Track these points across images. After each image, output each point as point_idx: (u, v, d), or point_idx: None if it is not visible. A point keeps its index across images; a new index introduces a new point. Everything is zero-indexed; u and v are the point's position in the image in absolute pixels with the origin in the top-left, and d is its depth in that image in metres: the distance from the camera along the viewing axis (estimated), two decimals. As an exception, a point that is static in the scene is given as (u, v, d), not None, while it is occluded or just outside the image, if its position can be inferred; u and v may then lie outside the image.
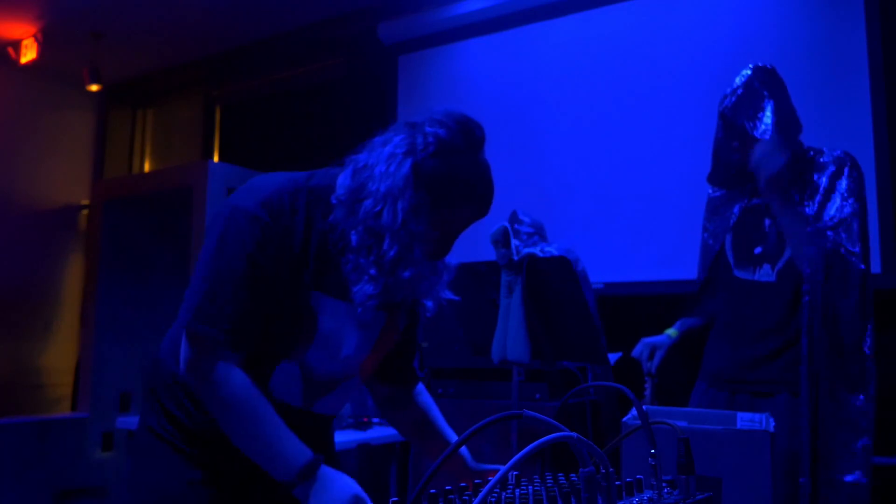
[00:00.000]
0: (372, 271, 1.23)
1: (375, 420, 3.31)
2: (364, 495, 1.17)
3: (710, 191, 2.32)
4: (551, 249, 3.25)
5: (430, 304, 1.37)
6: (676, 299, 2.67)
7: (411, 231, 1.22)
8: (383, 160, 1.24)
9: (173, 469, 1.31)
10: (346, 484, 1.18)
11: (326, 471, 1.18)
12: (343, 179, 1.28)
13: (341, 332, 1.30)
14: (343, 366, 1.34)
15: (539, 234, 3.21)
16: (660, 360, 2.26)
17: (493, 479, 0.66)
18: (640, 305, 3.48)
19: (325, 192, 1.29)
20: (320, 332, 1.28)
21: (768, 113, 2.07)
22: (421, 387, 1.56)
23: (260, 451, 1.20)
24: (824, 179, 2.03)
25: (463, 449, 1.45)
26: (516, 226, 3.19)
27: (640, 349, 2.32)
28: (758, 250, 2.12)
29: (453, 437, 1.49)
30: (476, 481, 0.98)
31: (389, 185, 1.22)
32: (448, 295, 1.40)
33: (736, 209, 2.19)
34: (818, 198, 2.03)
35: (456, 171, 1.24)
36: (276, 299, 1.23)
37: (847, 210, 1.99)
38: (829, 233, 1.99)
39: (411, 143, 1.25)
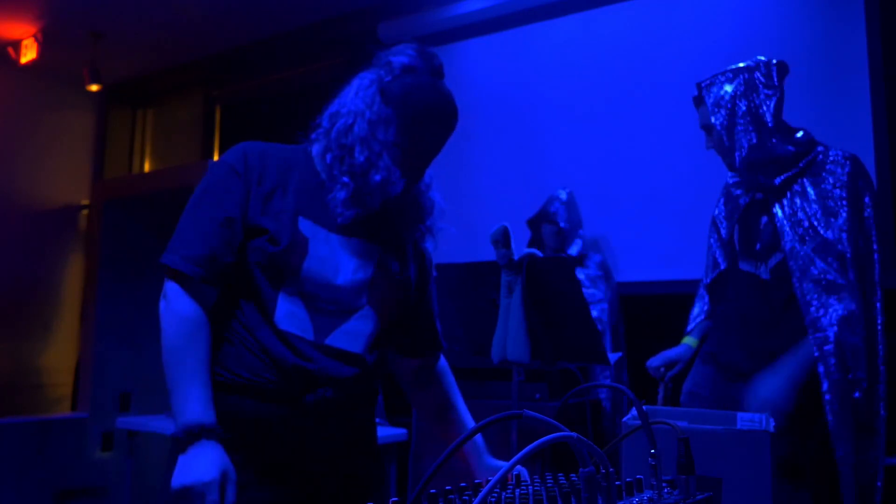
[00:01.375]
0: (344, 179, 1.33)
1: (376, 420, 3.31)
2: (230, 475, 1.21)
3: (728, 178, 2.31)
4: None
5: (429, 244, 1.46)
6: (677, 299, 2.68)
7: (379, 139, 1.32)
8: (353, 91, 1.37)
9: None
10: (213, 463, 1.20)
11: (206, 444, 1.22)
12: (319, 121, 1.40)
13: (334, 259, 1.34)
14: (344, 294, 1.34)
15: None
16: (677, 371, 2.27)
17: (493, 479, 0.66)
18: (640, 305, 3.48)
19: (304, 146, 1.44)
20: (311, 255, 1.32)
21: (778, 105, 2.08)
22: (445, 366, 1.60)
23: (170, 388, 1.27)
24: (829, 183, 2.02)
25: (480, 441, 1.51)
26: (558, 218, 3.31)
27: (658, 362, 2.31)
28: (758, 246, 2.12)
29: (471, 423, 1.55)
30: (476, 481, 0.98)
31: (358, 103, 1.35)
32: (430, 247, 1.49)
33: (742, 201, 2.19)
34: (821, 200, 2.01)
35: (418, 89, 1.35)
36: (254, 229, 1.32)
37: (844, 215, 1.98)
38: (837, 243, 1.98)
39: (377, 72, 1.38)
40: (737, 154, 2.08)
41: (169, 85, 5.78)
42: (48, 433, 4.70)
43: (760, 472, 1.11)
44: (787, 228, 2.02)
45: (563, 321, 2.20)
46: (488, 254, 2.20)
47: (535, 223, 3.55)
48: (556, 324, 2.19)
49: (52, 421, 4.79)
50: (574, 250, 3.39)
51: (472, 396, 2.94)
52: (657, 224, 3.56)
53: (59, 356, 5.49)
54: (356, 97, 1.36)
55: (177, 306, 1.32)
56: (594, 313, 3.17)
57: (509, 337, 2.15)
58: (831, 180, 2.01)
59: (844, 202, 1.98)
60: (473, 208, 4.17)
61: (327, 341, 1.33)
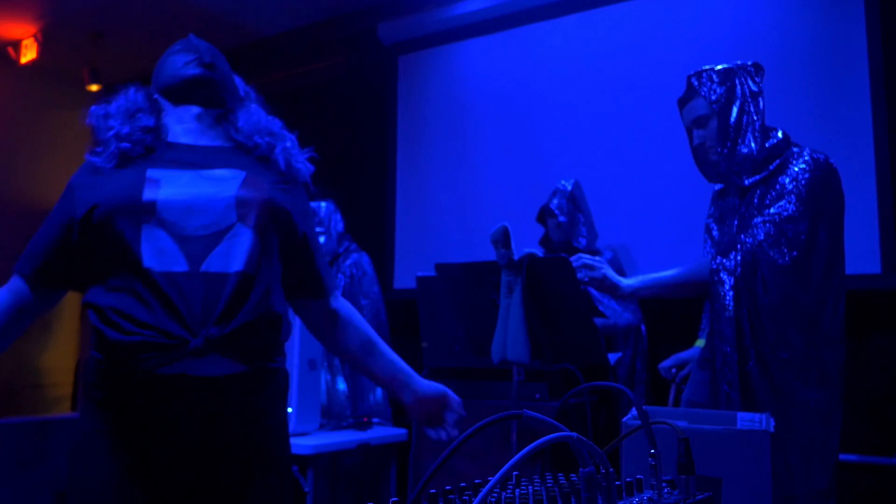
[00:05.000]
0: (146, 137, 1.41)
1: (375, 420, 3.31)
2: None
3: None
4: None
5: (280, 162, 1.44)
6: (677, 299, 2.67)
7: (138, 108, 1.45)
8: None
9: (86, 419, 1.33)
10: None
11: None
12: None
13: (187, 185, 1.33)
14: (210, 215, 1.31)
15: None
16: (688, 372, 2.26)
17: (492, 479, 0.66)
18: (640, 305, 3.48)
19: None
20: (164, 184, 1.32)
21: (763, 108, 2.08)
22: (352, 309, 1.57)
23: None
24: (788, 182, 2.01)
25: (408, 370, 1.55)
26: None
27: (670, 364, 2.31)
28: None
29: (395, 357, 1.56)
30: (476, 481, 0.98)
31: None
32: (300, 157, 1.49)
33: (723, 204, 2.19)
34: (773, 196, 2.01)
35: (160, 63, 1.53)
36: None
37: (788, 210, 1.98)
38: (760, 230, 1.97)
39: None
40: (722, 165, 2.09)
41: (169, 85, 5.77)
42: (48, 433, 4.69)
43: (760, 472, 1.11)
44: (742, 231, 2.02)
45: (563, 321, 2.20)
46: (488, 254, 2.19)
47: (540, 217, 3.53)
48: (556, 324, 2.19)
49: (52, 421, 4.79)
50: (581, 243, 3.34)
51: (472, 396, 2.94)
52: (658, 224, 3.56)
53: (59, 356, 5.49)
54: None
55: None
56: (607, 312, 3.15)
57: (509, 337, 2.15)
58: (789, 179, 2.00)
59: (793, 196, 1.97)
60: (473, 208, 4.17)
61: (207, 267, 1.29)
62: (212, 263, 1.29)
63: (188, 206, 1.31)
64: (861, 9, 3.17)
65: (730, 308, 1.95)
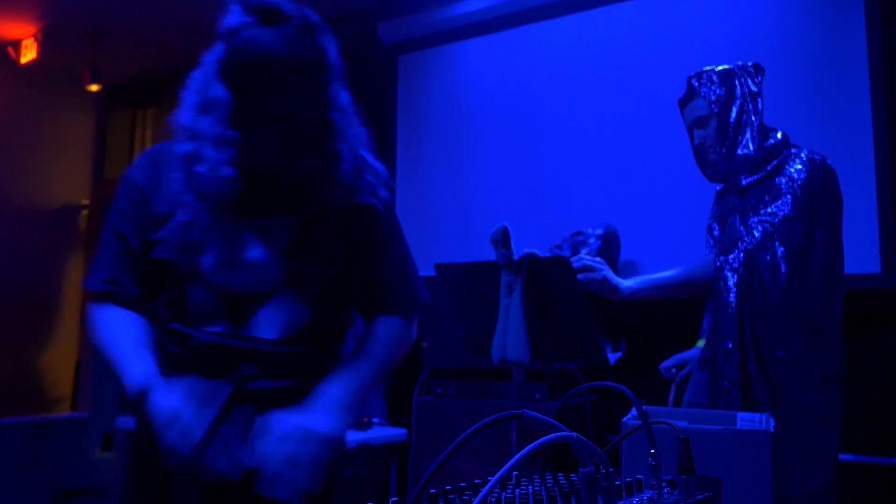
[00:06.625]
0: (179, 174, 1.28)
1: (375, 420, 3.31)
2: (184, 416, 1.16)
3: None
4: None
5: (369, 199, 1.34)
6: (677, 300, 2.67)
7: (203, 129, 1.24)
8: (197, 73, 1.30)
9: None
10: (170, 399, 1.18)
11: (157, 391, 1.19)
12: None
13: (237, 241, 1.27)
14: (256, 277, 1.27)
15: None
16: (689, 372, 2.26)
17: (492, 479, 0.66)
18: (640, 305, 3.47)
19: None
20: (211, 243, 1.26)
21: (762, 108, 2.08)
22: (384, 319, 1.41)
23: (115, 373, 1.25)
24: (784, 182, 2.02)
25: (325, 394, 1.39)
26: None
27: (670, 363, 2.31)
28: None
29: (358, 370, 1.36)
30: (476, 481, 0.98)
31: (188, 90, 1.28)
32: (384, 195, 1.38)
33: (724, 204, 2.20)
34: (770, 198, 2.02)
35: (241, 51, 1.20)
36: (154, 234, 1.29)
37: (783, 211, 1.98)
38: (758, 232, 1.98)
39: (216, 47, 1.27)
40: (721, 165, 2.10)
41: (169, 85, 5.75)
42: (48, 433, 4.70)
43: (760, 472, 1.11)
44: (743, 230, 2.03)
45: (563, 321, 2.19)
46: (488, 254, 2.19)
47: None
48: (556, 324, 2.19)
49: (52, 421, 4.79)
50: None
51: (472, 396, 2.95)
52: (659, 223, 3.56)
53: (59, 356, 5.49)
54: (193, 81, 1.29)
55: (98, 315, 1.33)
56: None
57: (509, 337, 2.15)
58: (785, 180, 2.01)
59: (789, 197, 1.98)
60: (473, 208, 4.17)
61: (252, 331, 1.26)
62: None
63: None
64: (861, 9, 3.17)
65: (732, 305, 1.95)
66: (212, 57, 1.27)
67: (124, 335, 1.29)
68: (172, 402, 1.18)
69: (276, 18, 1.21)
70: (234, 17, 1.23)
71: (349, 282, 1.37)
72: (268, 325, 1.27)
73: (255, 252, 1.28)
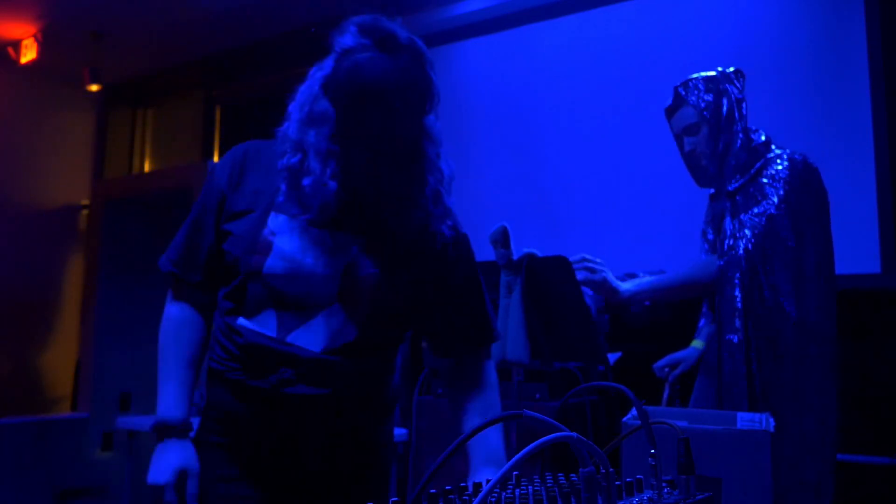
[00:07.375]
0: (282, 185, 1.31)
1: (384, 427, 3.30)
2: (191, 469, 1.30)
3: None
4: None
5: (444, 229, 1.35)
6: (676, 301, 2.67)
7: (310, 141, 1.26)
8: (304, 85, 1.32)
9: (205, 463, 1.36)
10: (170, 464, 1.30)
11: (170, 443, 1.32)
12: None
13: (302, 250, 1.30)
14: (312, 288, 1.29)
15: None
16: (682, 371, 2.26)
17: (493, 479, 0.66)
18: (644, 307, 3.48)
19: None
20: (277, 246, 1.30)
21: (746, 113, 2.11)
22: (485, 376, 1.43)
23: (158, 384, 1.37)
24: (766, 183, 2.04)
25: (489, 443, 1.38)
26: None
27: (663, 363, 2.31)
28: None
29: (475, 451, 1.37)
30: (476, 481, 0.98)
31: (298, 102, 1.30)
32: (446, 231, 1.37)
33: (715, 208, 2.22)
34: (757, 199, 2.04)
35: (353, 72, 1.23)
36: (224, 231, 1.36)
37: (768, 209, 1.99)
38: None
39: (326, 61, 1.30)
40: (713, 169, 2.13)
41: (169, 85, 5.78)
42: (48, 433, 4.70)
43: (760, 472, 1.11)
44: (736, 231, 2.04)
45: (562, 321, 2.20)
46: (488, 254, 2.19)
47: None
48: (555, 324, 2.19)
49: (52, 421, 4.79)
50: None
51: (472, 396, 2.95)
52: (658, 224, 3.56)
53: (59, 356, 5.49)
54: (299, 92, 1.32)
55: (167, 307, 1.43)
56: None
57: (509, 337, 2.15)
58: (769, 181, 2.03)
59: (773, 198, 2.00)
60: (473, 208, 4.17)
61: (295, 339, 1.29)
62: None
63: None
64: (861, 9, 3.17)
65: (738, 299, 1.97)
66: (320, 72, 1.29)
67: (174, 348, 1.39)
68: (165, 472, 1.30)
69: (392, 46, 1.24)
70: (349, 37, 1.27)
71: (409, 307, 1.39)
72: (313, 336, 1.30)
73: (317, 263, 1.30)
